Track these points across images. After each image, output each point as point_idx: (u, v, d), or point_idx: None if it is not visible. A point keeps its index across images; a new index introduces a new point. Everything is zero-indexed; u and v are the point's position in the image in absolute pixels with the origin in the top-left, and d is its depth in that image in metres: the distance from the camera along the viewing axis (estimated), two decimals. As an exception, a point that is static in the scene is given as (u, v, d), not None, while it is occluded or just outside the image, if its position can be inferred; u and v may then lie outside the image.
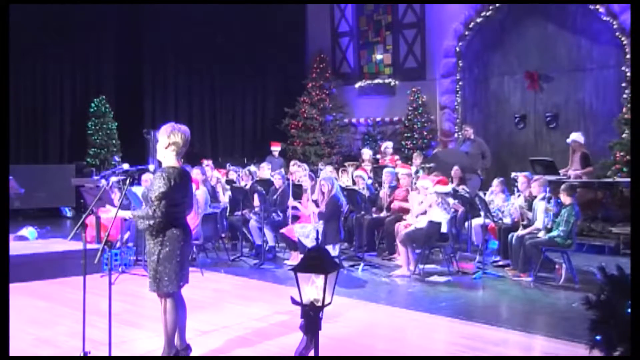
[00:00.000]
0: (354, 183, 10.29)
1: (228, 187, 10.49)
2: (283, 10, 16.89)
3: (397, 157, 13.01)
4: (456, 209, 8.65)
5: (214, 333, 5.52)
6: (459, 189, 9.62)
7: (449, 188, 8.45)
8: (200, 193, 8.88)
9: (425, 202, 8.27)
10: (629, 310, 2.65)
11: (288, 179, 9.83)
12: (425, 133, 15.18)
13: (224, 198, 10.31)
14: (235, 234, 10.23)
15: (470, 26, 14.53)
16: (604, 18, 12.53)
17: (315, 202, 8.88)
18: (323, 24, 17.33)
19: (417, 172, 10.82)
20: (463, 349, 5.18)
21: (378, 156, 13.35)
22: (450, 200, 8.25)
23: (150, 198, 4.43)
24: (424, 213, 8.25)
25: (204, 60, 16.50)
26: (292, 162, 11.83)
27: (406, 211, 9.16)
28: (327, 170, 10.63)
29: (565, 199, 7.64)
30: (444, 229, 8.01)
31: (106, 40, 15.45)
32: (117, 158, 14.17)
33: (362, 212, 9.22)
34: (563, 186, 7.87)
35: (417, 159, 12.23)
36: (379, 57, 16.52)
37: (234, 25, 16.46)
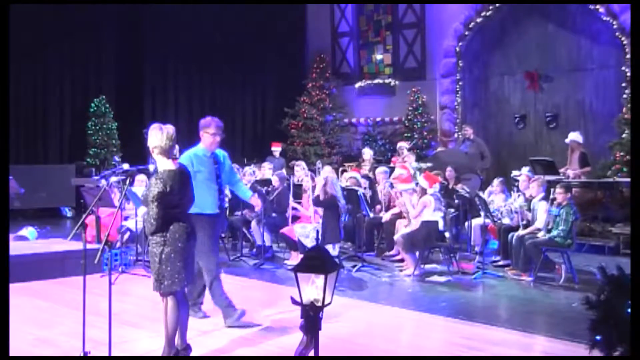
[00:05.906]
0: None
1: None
2: (283, 10, 16.87)
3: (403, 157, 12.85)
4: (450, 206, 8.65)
5: (214, 333, 5.52)
6: (458, 188, 9.62)
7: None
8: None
9: (419, 203, 8.22)
10: (629, 310, 2.65)
11: (289, 179, 9.80)
12: (425, 133, 15.16)
13: None
14: (235, 234, 10.23)
15: (470, 26, 14.52)
16: (604, 18, 12.53)
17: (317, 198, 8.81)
18: (323, 24, 17.32)
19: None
20: (463, 348, 5.19)
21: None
22: (431, 199, 8.18)
23: (147, 201, 4.44)
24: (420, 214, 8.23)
25: (204, 60, 16.46)
26: (297, 164, 11.51)
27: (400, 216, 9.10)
28: (326, 170, 10.59)
29: (561, 198, 7.64)
30: (441, 227, 8.00)
31: (106, 40, 15.42)
32: (117, 158, 14.14)
33: (362, 213, 9.20)
34: (558, 186, 7.90)
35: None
36: (379, 57, 16.51)
37: (234, 26, 16.44)
